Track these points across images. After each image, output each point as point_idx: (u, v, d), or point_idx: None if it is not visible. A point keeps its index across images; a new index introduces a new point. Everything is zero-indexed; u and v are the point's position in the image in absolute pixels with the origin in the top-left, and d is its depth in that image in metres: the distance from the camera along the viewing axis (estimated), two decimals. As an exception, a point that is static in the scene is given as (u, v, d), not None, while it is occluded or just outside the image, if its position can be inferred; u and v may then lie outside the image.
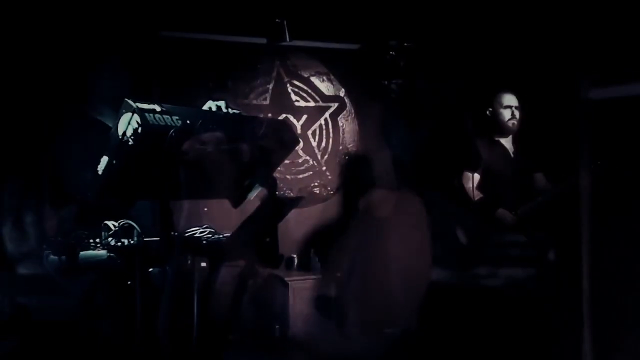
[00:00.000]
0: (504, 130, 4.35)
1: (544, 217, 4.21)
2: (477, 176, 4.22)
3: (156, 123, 2.06)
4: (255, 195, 2.62)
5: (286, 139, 2.60)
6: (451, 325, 3.21)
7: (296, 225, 5.15)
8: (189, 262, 2.47)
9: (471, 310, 3.50)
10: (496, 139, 4.36)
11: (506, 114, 4.32)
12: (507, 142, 4.40)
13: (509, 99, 4.36)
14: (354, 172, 5.70)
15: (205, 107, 2.57)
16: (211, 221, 2.67)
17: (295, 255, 5.37)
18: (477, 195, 4.21)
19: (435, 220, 4.06)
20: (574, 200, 4.13)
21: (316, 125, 5.62)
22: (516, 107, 4.35)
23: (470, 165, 3.32)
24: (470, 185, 4.17)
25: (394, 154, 3.34)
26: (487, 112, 4.36)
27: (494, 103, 4.36)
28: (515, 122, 4.34)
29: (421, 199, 3.48)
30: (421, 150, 3.10)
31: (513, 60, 4.94)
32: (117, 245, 2.24)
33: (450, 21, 4.98)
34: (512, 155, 4.37)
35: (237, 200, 2.59)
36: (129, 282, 2.36)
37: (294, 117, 5.50)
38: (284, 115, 5.43)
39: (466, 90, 2.97)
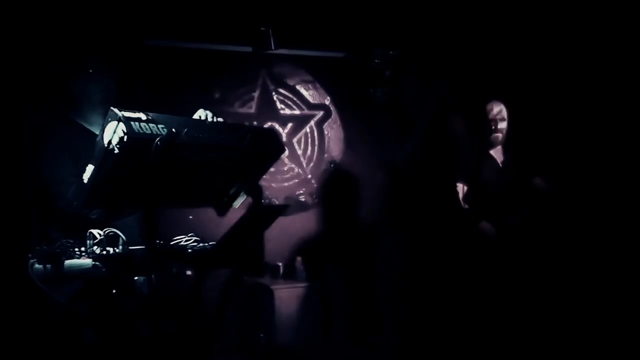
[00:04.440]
0: (487, 143, 4.21)
1: (533, 227, 4.19)
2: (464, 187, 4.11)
3: (142, 132, 2.05)
4: (241, 203, 2.62)
5: (272, 147, 2.60)
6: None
7: (282, 233, 5.15)
8: (174, 271, 2.47)
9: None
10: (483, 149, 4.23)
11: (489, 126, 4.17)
12: (495, 152, 4.24)
13: (493, 110, 4.19)
14: (339, 180, 5.72)
15: (195, 116, 2.57)
16: (196, 230, 2.67)
17: (280, 264, 5.38)
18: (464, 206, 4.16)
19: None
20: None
21: (302, 133, 5.63)
22: (501, 119, 4.17)
23: (462, 175, 3.27)
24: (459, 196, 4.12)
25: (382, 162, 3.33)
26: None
27: (477, 114, 4.19)
28: (500, 135, 4.18)
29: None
30: (410, 158, 3.10)
31: (503, 68, 4.95)
32: (103, 254, 2.24)
33: (436, 29, 5.02)
34: (500, 165, 4.22)
35: (223, 208, 2.60)
36: (113, 291, 2.35)
37: (280, 125, 5.51)
38: (269, 124, 5.44)
39: (456, 98, 2.97)
